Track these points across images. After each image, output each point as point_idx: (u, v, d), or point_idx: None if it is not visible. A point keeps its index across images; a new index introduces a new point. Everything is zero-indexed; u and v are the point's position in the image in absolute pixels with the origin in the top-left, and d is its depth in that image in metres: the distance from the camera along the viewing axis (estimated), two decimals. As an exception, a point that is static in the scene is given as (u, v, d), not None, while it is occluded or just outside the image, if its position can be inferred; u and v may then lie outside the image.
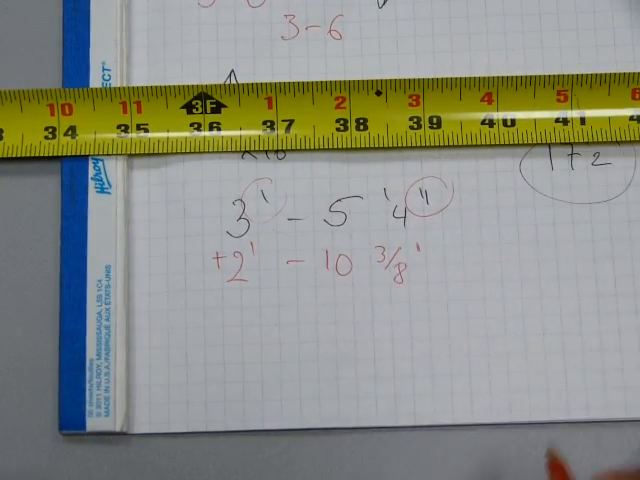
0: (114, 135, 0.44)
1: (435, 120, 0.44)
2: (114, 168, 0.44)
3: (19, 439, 0.43)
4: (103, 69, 0.45)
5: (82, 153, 0.44)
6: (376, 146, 0.44)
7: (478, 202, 0.44)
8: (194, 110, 0.44)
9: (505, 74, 0.44)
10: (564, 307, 0.43)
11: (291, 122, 0.44)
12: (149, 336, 0.43)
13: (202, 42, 0.46)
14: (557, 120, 0.44)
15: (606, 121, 0.44)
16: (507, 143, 0.44)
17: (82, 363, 0.42)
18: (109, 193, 0.44)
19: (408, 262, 0.44)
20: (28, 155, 0.44)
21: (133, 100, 0.44)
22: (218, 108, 0.44)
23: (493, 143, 0.44)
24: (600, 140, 0.44)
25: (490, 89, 0.44)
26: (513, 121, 0.44)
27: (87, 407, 0.42)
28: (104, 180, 0.44)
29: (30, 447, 0.43)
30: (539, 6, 0.46)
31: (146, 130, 0.44)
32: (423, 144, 0.44)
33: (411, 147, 0.44)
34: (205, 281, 0.44)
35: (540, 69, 0.45)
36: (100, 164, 0.44)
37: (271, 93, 0.44)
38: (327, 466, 0.42)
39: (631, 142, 0.44)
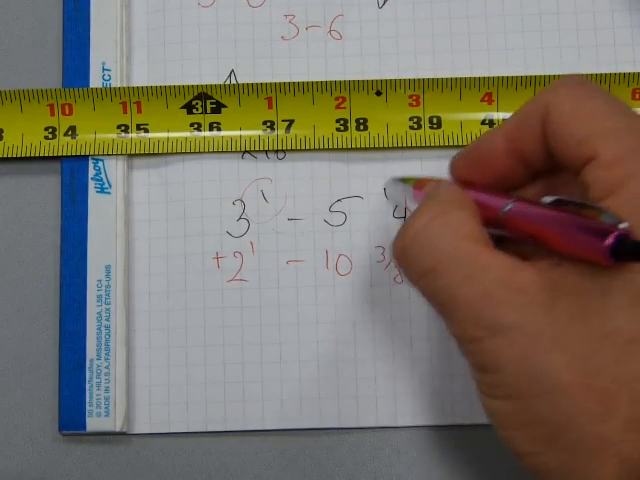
0: (114, 135, 0.44)
1: (435, 120, 0.44)
2: (114, 168, 0.44)
3: (19, 439, 0.43)
4: (103, 69, 0.44)
5: (82, 153, 0.44)
6: (376, 146, 0.44)
7: (478, 202, 0.44)
8: (194, 110, 0.44)
9: (505, 74, 0.44)
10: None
11: (291, 122, 0.44)
12: (149, 336, 0.43)
13: (202, 42, 0.45)
14: (557, 120, 0.44)
15: (606, 121, 0.44)
16: (507, 143, 0.44)
17: (82, 363, 0.42)
18: (109, 193, 0.44)
19: (408, 262, 0.44)
20: (28, 155, 0.44)
21: (133, 100, 0.44)
22: (218, 108, 0.44)
23: (493, 143, 0.44)
24: (600, 140, 0.44)
25: (490, 89, 0.44)
26: (513, 121, 0.44)
27: (87, 407, 0.42)
28: (104, 180, 0.44)
29: (30, 447, 0.43)
30: (539, 6, 0.46)
31: (146, 130, 0.44)
32: (423, 144, 0.44)
33: (411, 147, 0.44)
34: (205, 281, 0.44)
35: (540, 69, 0.45)
36: (100, 164, 0.44)
37: (271, 93, 0.44)
38: (327, 466, 0.42)
39: (631, 142, 0.44)
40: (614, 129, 0.32)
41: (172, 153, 0.44)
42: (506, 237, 0.34)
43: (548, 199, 0.32)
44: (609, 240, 0.29)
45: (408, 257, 0.34)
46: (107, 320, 0.43)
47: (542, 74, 0.44)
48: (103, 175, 0.44)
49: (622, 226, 0.29)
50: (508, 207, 0.33)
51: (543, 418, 0.30)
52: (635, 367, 0.30)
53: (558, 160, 0.33)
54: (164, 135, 0.44)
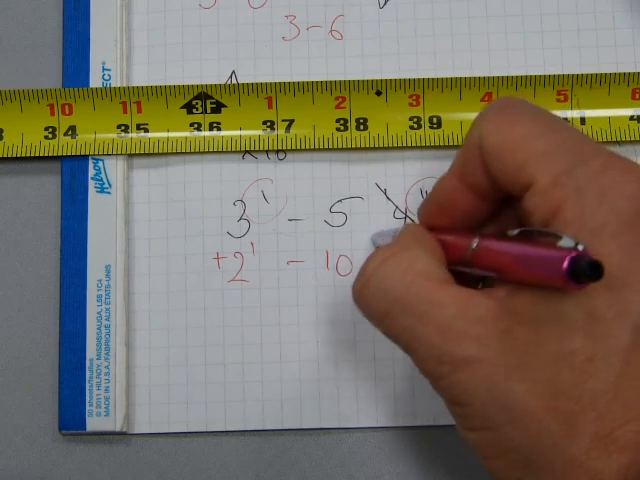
0: (114, 135, 0.44)
1: (435, 120, 0.44)
2: (114, 168, 0.44)
3: (19, 439, 0.43)
4: (103, 69, 0.45)
5: (82, 153, 0.44)
6: (376, 146, 0.44)
7: (478, 202, 0.44)
8: (194, 110, 0.44)
9: (505, 74, 0.44)
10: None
11: (291, 122, 0.44)
12: (149, 336, 0.43)
13: (203, 43, 0.46)
14: (557, 120, 0.44)
15: (606, 121, 0.44)
16: (507, 143, 0.44)
17: (82, 363, 0.42)
18: (109, 193, 0.44)
19: (408, 262, 0.44)
20: (28, 155, 0.44)
21: (133, 100, 0.44)
22: (218, 108, 0.44)
23: (493, 143, 0.44)
24: (600, 140, 0.44)
25: (490, 89, 0.44)
26: (513, 121, 0.44)
27: (87, 407, 0.42)
28: (104, 180, 0.44)
29: (30, 447, 0.43)
30: (540, 7, 0.46)
31: (146, 130, 0.44)
32: (423, 144, 0.44)
33: (411, 147, 0.44)
34: (205, 281, 0.44)
35: (541, 70, 0.45)
36: (100, 164, 0.44)
37: (271, 93, 0.44)
38: (327, 466, 0.42)
39: (631, 142, 0.44)
40: (544, 152, 0.31)
41: (172, 153, 0.44)
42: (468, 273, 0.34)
43: (513, 232, 0.32)
44: (565, 263, 0.29)
45: (364, 301, 0.34)
46: (107, 320, 0.43)
47: (542, 74, 0.44)
48: (103, 175, 0.44)
49: (579, 248, 0.29)
50: (475, 245, 0.33)
51: (516, 445, 0.31)
52: (595, 385, 0.30)
53: (503, 189, 0.33)
54: (164, 135, 0.44)
